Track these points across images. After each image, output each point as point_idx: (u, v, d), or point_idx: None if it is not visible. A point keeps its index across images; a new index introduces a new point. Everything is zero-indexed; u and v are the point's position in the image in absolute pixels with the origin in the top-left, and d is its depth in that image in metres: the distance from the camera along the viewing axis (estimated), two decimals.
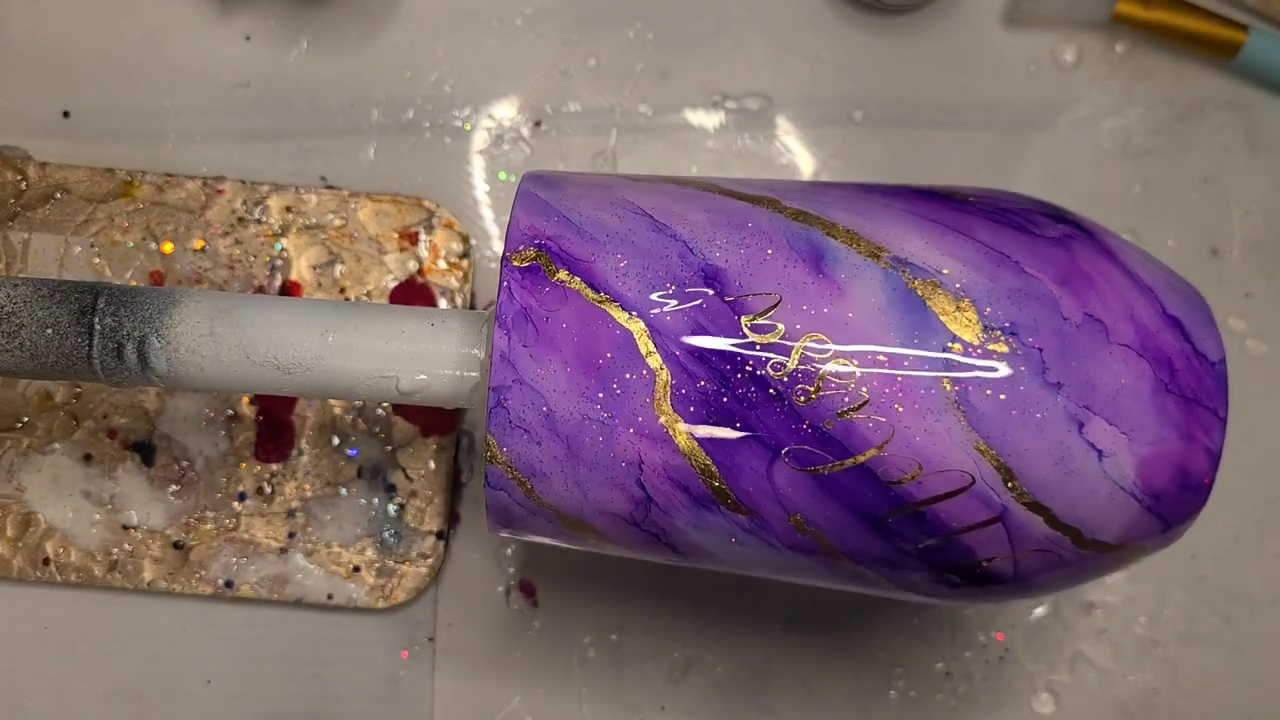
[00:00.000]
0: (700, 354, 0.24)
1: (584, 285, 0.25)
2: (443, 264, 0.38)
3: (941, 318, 0.24)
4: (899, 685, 0.38)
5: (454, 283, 0.38)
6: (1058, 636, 0.39)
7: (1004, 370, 0.24)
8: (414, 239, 0.38)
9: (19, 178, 0.37)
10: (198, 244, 0.38)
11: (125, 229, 0.37)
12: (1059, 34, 0.41)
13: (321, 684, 0.37)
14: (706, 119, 0.40)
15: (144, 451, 0.37)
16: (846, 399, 0.24)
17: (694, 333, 0.25)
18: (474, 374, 0.27)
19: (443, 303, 0.38)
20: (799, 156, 0.40)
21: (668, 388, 0.25)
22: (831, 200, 0.27)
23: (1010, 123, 0.41)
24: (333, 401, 0.37)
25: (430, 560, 0.37)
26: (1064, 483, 0.24)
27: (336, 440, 0.37)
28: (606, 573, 0.38)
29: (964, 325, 0.24)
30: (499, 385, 0.25)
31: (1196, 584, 0.39)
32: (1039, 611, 0.39)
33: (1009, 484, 0.24)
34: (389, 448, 0.37)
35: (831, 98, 0.41)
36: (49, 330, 0.27)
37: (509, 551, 0.38)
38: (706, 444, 0.25)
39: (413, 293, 0.38)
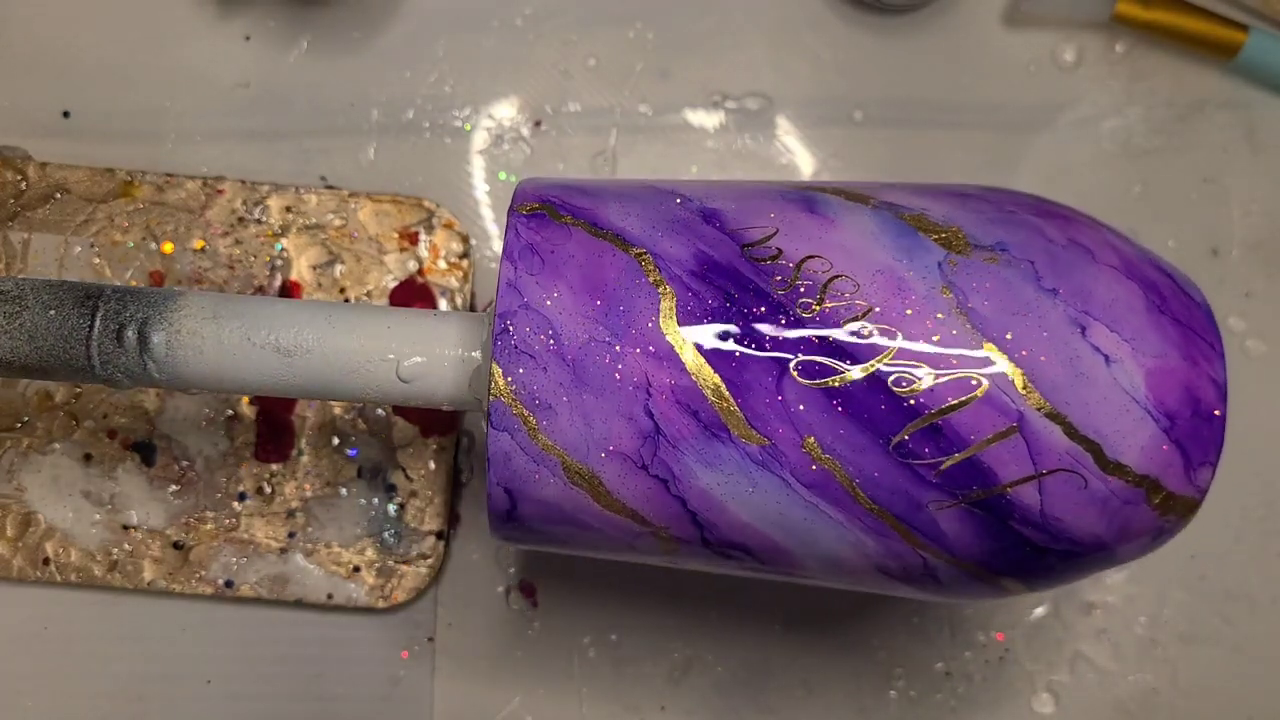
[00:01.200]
0: (703, 274, 0.25)
1: (588, 225, 0.26)
2: (443, 264, 0.38)
3: (932, 238, 0.25)
4: (899, 685, 0.38)
5: (454, 283, 0.38)
6: (1058, 636, 0.39)
7: (999, 277, 0.25)
8: (414, 239, 0.38)
9: (19, 178, 0.37)
10: (198, 244, 0.38)
11: (125, 229, 0.37)
12: (1059, 34, 0.41)
13: (321, 684, 0.37)
14: (706, 119, 0.40)
15: (144, 451, 0.37)
16: (850, 309, 0.25)
17: (695, 257, 0.25)
18: (475, 354, 0.27)
19: (443, 303, 0.38)
20: (799, 156, 0.40)
21: (673, 305, 0.25)
22: (820, 182, 0.29)
23: (1010, 123, 0.41)
24: (333, 402, 0.37)
25: (430, 560, 0.37)
26: (1076, 386, 0.24)
27: (336, 440, 0.37)
28: (606, 573, 0.38)
29: (954, 244, 0.25)
30: (505, 311, 0.25)
31: (1196, 584, 0.39)
32: (1039, 611, 0.39)
33: (1022, 387, 0.24)
34: (389, 448, 0.37)
35: (831, 98, 0.41)
36: (51, 311, 0.27)
37: (509, 551, 0.38)
38: (714, 359, 0.25)
39: (413, 293, 0.38)
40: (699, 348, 0.25)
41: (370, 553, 0.37)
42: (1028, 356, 0.24)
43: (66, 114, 0.39)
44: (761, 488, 0.25)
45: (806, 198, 0.27)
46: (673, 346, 0.25)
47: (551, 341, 0.25)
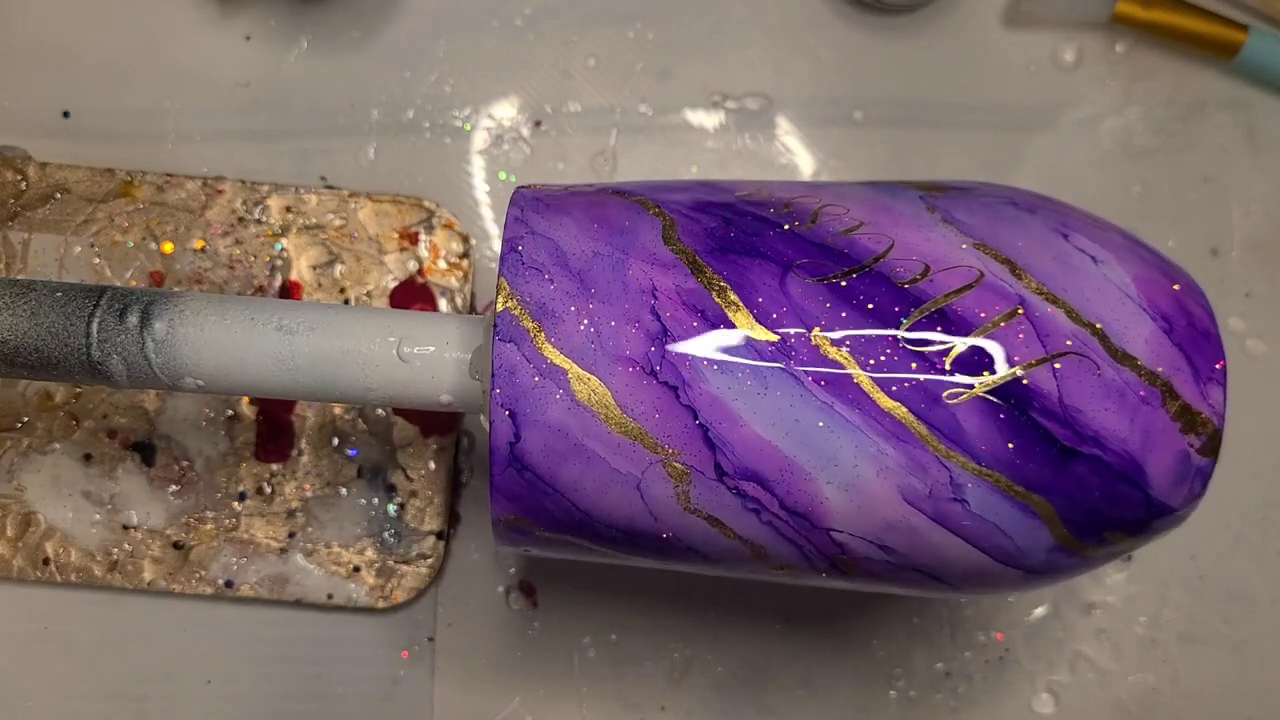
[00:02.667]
0: (701, 207, 0.27)
1: (589, 189, 0.28)
2: (443, 264, 0.38)
3: (909, 188, 0.28)
4: (899, 685, 0.38)
5: (454, 283, 0.38)
6: (1058, 636, 0.39)
7: (980, 203, 0.27)
8: (414, 239, 0.38)
9: (19, 178, 0.37)
10: (198, 244, 0.38)
11: (125, 229, 0.37)
12: (1059, 34, 0.41)
13: (321, 684, 0.37)
14: (706, 119, 0.40)
15: (144, 451, 0.37)
16: (842, 223, 0.26)
17: (693, 200, 0.27)
18: (476, 334, 0.27)
19: (443, 303, 0.38)
20: (799, 156, 0.40)
21: (674, 226, 0.26)
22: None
23: (1010, 123, 0.41)
24: (332, 403, 0.37)
25: (430, 560, 0.37)
26: (1069, 276, 0.25)
27: (336, 440, 0.37)
28: (607, 573, 0.38)
29: (934, 188, 0.28)
30: (511, 237, 0.26)
31: (1196, 584, 0.39)
32: (1039, 611, 0.39)
33: (1018, 275, 0.25)
34: (389, 448, 0.37)
35: (831, 98, 0.41)
36: (59, 293, 0.27)
37: (509, 552, 0.38)
38: (716, 264, 0.25)
39: (413, 293, 0.38)
40: (701, 255, 0.26)
41: (370, 553, 0.37)
42: (1017, 251, 0.26)
43: (66, 114, 0.39)
44: (774, 389, 0.25)
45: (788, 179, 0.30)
46: (676, 256, 0.26)
47: (557, 256, 0.26)
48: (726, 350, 0.25)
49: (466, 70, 0.40)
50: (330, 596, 0.37)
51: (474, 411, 0.28)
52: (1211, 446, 0.26)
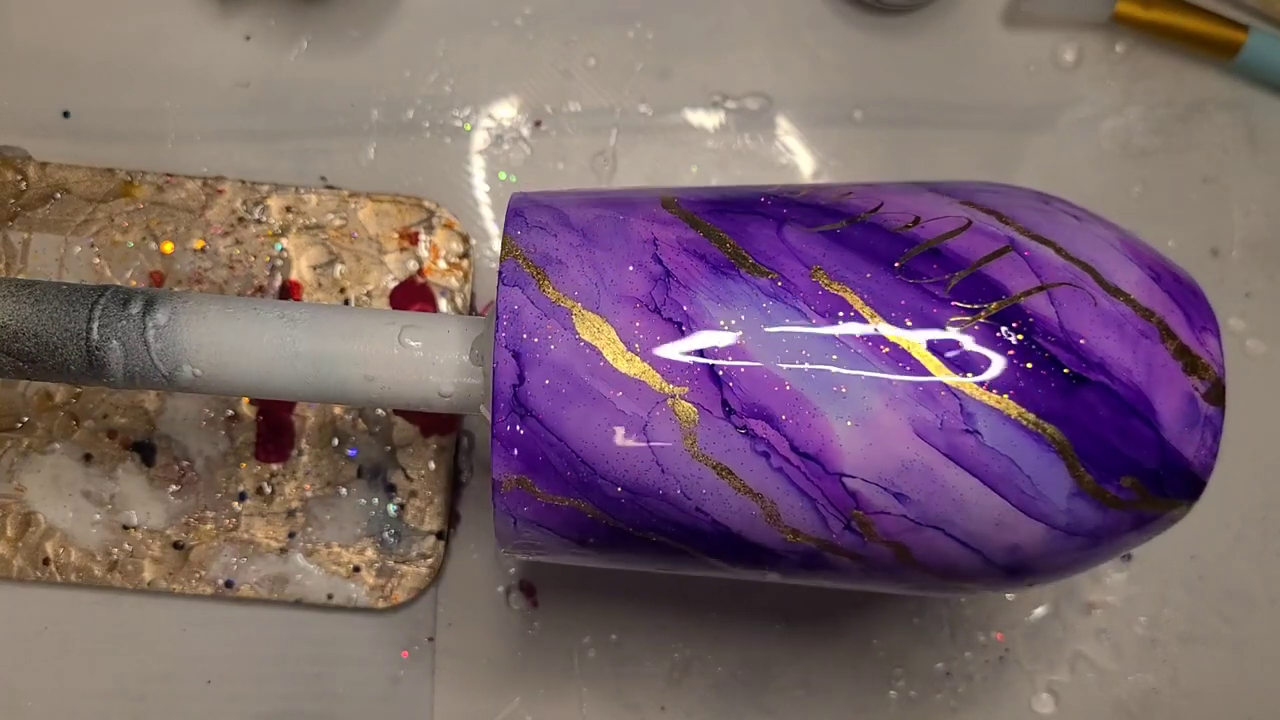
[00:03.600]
0: (697, 190, 0.28)
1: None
2: (443, 264, 0.38)
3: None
4: (899, 685, 0.38)
5: (454, 283, 0.38)
6: (1058, 636, 0.39)
7: (962, 182, 0.29)
8: (414, 239, 0.38)
9: (19, 178, 0.37)
10: (198, 244, 0.38)
11: (125, 229, 0.37)
12: (1059, 34, 0.41)
13: (321, 684, 0.37)
14: (706, 119, 0.40)
15: (144, 451, 0.37)
16: (834, 192, 0.27)
17: (687, 188, 0.29)
18: (477, 328, 0.28)
19: (443, 303, 0.38)
20: (799, 156, 0.40)
21: (673, 201, 0.27)
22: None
23: (1010, 123, 0.41)
24: (333, 403, 0.37)
25: (430, 560, 0.37)
26: (1053, 224, 0.26)
27: (336, 440, 0.37)
28: (607, 573, 0.38)
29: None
30: (516, 205, 0.27)
31: (1196, 584, 0.39)
32: (1039, 611, 0.39)
33: (1005, 222, 0.26)
34: (389, 448, 0.37)
35: (831, 98, 0.41)
36: (65, 288, 0.27)
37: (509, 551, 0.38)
38: (715, 220, 0.26)
39: (413, 293, 0.38)
40: (699, 214, 0.26)
41: (370, 553, 0.37)
42: (1001, 206, 0.27)
43: (66, 114, 0.39)
44: (777, 322, 0.25)
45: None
46: (676, 216, 0.27)
47: (560, 217, 0.27)
48: (729, 288, 0.25)
49: (466, 70, 0.40)
50: (330, 596, 0.37)
51: (473, 407, 0.28)
52: (1216, 395, 0.26)
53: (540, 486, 0.26)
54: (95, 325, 0.27)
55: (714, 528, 0.26)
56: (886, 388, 0.24)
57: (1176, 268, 0.27)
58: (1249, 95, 0.41)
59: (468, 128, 0.40)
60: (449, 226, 0.38)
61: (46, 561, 0.36)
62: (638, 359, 0.25)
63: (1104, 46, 0.41)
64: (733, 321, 0.25)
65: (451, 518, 0.38)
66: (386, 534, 0.37)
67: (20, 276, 0.37)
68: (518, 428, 0.25)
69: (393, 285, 0.38)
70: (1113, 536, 0.26)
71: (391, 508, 0.37)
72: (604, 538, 0.27)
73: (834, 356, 0.25)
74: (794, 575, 0.28)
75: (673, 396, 0.25)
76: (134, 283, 0.37)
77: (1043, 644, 0.39)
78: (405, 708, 0.37)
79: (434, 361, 0.27)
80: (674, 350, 0.25)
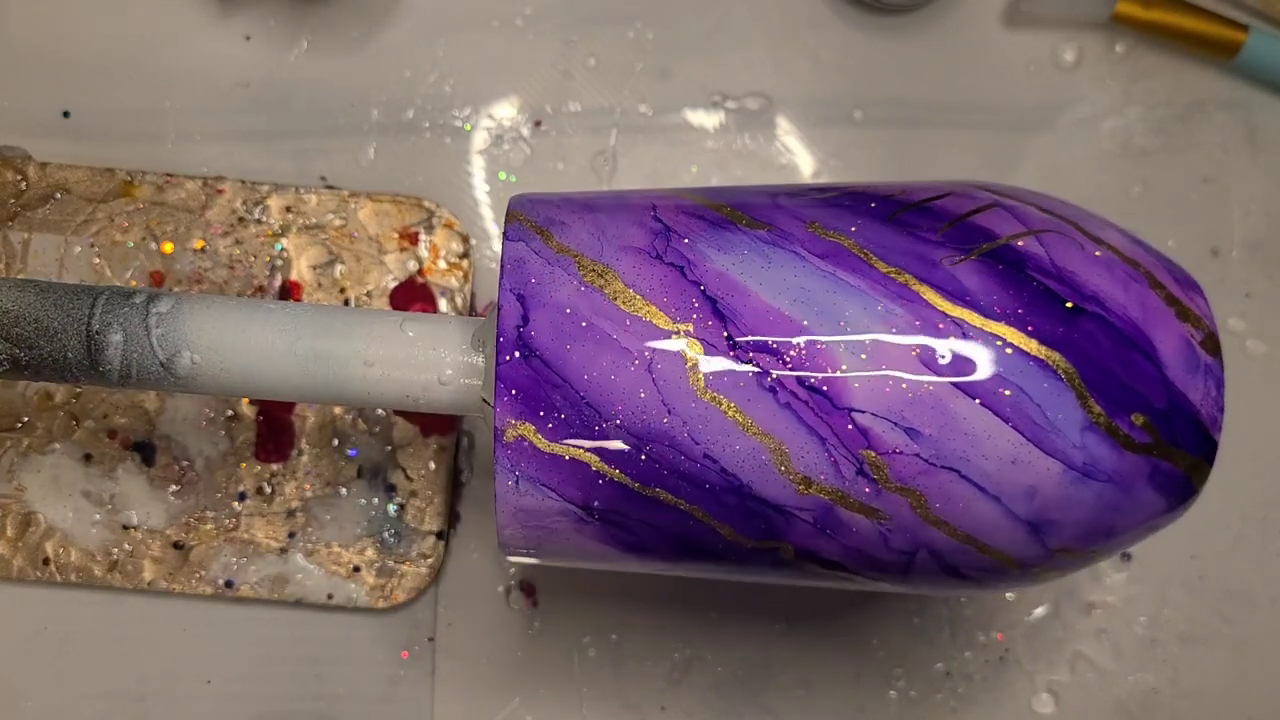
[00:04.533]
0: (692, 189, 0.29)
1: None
2: (443, 264, 0.38)
3: None
4: (899, 685, 0.38)
5: (454, 283, 0.38)
6: (1058, 636, 0.39)
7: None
8: (414, 239, 0.38)
9: (19, 178, 0.37)
10: (198, 244, 0.38)
11: (125, 229, 0.37)
12: (1059, 34, 0.41)
13: (321, 684, 0.37)
14: (706, 119, 0.40)
15: (144, 451, 0.37)
16: (814, 188, 0.29)
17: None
18: (478, 324, 0.28)
19: (443, 303, 0.38)
20: (799, 156, 0.40)
21: (671, 202, 0.28)
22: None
23: (1010, 123, 0.41)
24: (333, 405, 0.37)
25: (430, 560, 0.37)
26: (1032, 195, 0.28)
27: (336, 440, 0.37)
28: (607, 573, 0.38)
29: None
30: (517, 196, 0.28)
31: (1196, 584, 0.39)
32: (1039, 611, 0.39)
33: (987, 189, 0.27)
34: (389, 448, 0.37)
35: (831, 98, 0.41)
36: (71, 285, 0.27)
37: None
38: (711, 196, 0.28)
39: (413, 293, 0.38)
40: (695, 193, 0.28)
41: (370, 553, 0.37)
42: (983, 185, 0.28)
43: (66, 114, 0.39)
44: (776, 262, 0.25)
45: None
46: (673, 195, 0.28)
47: (562, 198, 0.28)
48: (728, 239, 0.26)
49: (466, 70, 0.40)
50: (330, 596, 0.37)
51: (474, 401, 0.28)
52: (1212, 346, 0.26)
53: (543, 433, 0.25)
54: (98, 311, 0.27)
55: (722, 479, 0.25)
56: (887, 316, 0.25)
57: (1166, 258, 0.28)
58: (1249, 95, 0.41)
59: (468, 128, 0.40)
60: (449, 226, 0.38)
61: (46, 561, 0.36)
62: (640, 298, 0.25)
63: (1104, 46, 0.41)
64: (732, 264, 0.25)
65: (451, 518, 0.38)
66: (386, 534, 0.37)
67: (20, 277, 0.37)
68: (521, 369, 0.25)
69: (393, 285, 0.38)
70: (1131, 488, 0.26)
71: (391, 508, 0.37)
72: (609, 500, 0.26)
73: (834, 289, 0.25)
74: (806, 556, 0.26)
75: (676, 332, 0.25)
76: (134, 283, 0.37)
77: (1043, 644, 0.39)
78: (405, 708, 0.37)
79: (434, 348, 0.27)
80: (676, 289, 0.25)
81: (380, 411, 0.37)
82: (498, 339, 0.25)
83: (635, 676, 0.38)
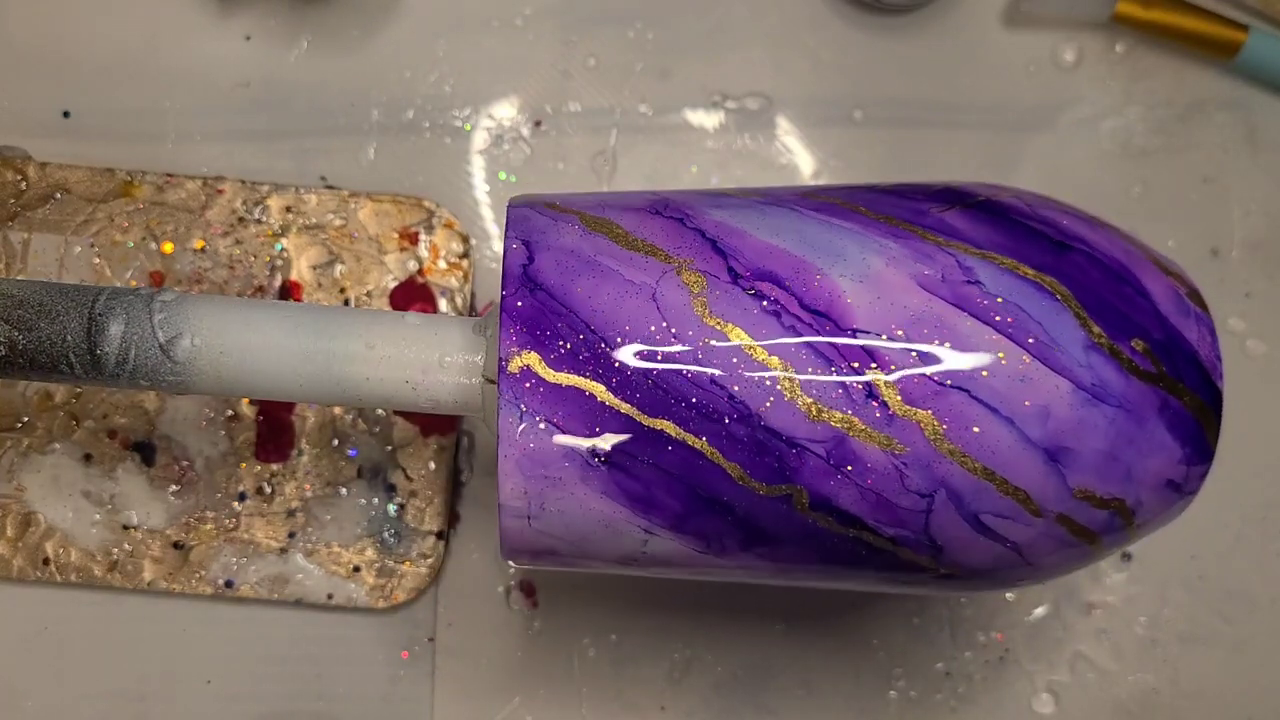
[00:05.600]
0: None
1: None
2: (443, 264, 0.38)
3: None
4: (899, 685, 0.38)
5: (454, 283, 0.38)
6: (1058, 636, 0.39)
7: None
8: (414, 239, 0.38)
9: (19, 178, 0.37)
10: (198, 244, 0.38)
11: (125, 229, 0.37)
12: (1059, 34, 0.41)
13: (321, 684, 0.37)
14: (706, 119, 0.40)
15: (144, 451, 0.37)
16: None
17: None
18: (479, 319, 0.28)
19: (443, 303, 0.38)
20: (799, 156, 0.40)
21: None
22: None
23: (1010, 123, 0.41)
24: (334, 405, 0.37)
25: (430, 560, 0.37)
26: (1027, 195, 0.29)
27: (336, 440, 0.37)
28: (607, 574, 0.38)
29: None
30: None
31: (1196, 584, 0.39)
32: (1039, 611, 0.39)
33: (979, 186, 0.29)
34: (389, 448, 0.37)
35: (831, 98, 0.41)
36: (78, 284, 0.27)
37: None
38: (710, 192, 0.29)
39: (413, 293, 0.38)
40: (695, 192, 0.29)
41: (370, 553, 0.37)
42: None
43: (66, 114, 0.39)
44: (772, 215, 0.27)
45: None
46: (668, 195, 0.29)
47: (560, 194, 0.28)
48: (723, 202, 0.27)
49: (466, 70, 0.40)
50: (330, 596, 0.37)
51: (473, 396, 0.28)
52: (1199, 301, 0.27)
53: (548, 363, 0.25)
54: (103, 297, 0.27)
55: (730, 406, 0.25)
56: (883, 250, 0.26)
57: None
58: (1249, 95, 0.41)
59: (468, 128, 0.40)
60: (449, 226, 0.38)
61: (46, 561, 0.36)
62: (641, 240, 0.26)
63: (1104, 46, 0.41)
64: (729, 215, 0.27)
65: (451, 518, 0.38)
66: (386, 534, 0.37)
67: (20, 277, 0.37)
68: (527, 301, 0.25)
69: (393, 285, 0.38)
70: (1143, 419, 0.26)
71: (391, 508, 0.37)
72: (615, 440, 0.25)
73: (828, 232, 0.26)
74: (820, 506, 0.25)
75: (679, 267, 0.25)
76: (134, 283, 0.37)
77: (1043, 644, 0.39)
78: (405, 708, 0.37)
79: (435, 333, 0.27)
80: (676, 233, 0.26)
81: (380, 411, 0.37)
82: (504, 278, 0.25)
83: (635, 677, 0.38)
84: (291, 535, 0.37)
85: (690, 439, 0.25)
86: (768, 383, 0.25)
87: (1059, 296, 0.25)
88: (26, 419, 0.37)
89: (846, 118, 0.41)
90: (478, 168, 0.40)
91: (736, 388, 0.25)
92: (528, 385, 0.25)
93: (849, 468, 0.25)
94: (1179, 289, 0.27)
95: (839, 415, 0.25)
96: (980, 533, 0.26)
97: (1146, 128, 0.41)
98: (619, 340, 0.25)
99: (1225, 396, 0.28)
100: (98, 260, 0.37)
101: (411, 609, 0.38)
